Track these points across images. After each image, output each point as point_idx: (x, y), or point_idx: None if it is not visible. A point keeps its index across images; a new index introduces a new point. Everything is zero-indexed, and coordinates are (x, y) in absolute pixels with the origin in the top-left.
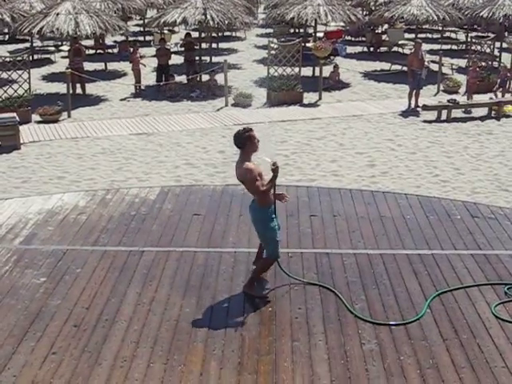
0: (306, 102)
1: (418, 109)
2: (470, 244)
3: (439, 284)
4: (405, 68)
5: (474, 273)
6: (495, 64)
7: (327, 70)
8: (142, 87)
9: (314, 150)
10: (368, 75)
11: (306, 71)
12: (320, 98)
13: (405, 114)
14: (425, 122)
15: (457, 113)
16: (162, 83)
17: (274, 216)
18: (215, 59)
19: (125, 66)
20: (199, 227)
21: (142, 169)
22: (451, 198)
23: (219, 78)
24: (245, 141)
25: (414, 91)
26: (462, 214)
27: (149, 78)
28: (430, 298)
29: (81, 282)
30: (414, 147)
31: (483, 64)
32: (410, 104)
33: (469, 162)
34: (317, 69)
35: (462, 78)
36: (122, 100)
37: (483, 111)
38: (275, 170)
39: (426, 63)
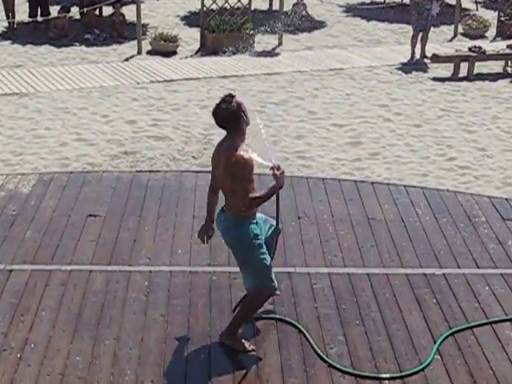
0: (259, 48)
1: (426, 60)
2: (500, 259)
3: (454, 318)
4: (407, 0)
5: (505, 301)
6: None
7: (292, 1)
8: (14, 25)
9: (270, 121)
10: (352, 9)
11: (260, 3)
12: (280, 44)
13: (406, 67)
14: (435, 79)
15: (483, 67)
16: (40, 18)
17: (259, 232)
18: None
19: None
20: (97, 234)
21: (11, 147)
22: (473, 193)
23: (129, 13)
24: (237, 117)
25: (420, 34)
26: (489, 215)
27: (22, 12)
28: (440, 338)
29: None
30: (418, 117)
31: None
32: (413, 53)
33: (499, 140)
34: None
35: (490, 16)
36: None
37: None
38: (279, 177)
39: None
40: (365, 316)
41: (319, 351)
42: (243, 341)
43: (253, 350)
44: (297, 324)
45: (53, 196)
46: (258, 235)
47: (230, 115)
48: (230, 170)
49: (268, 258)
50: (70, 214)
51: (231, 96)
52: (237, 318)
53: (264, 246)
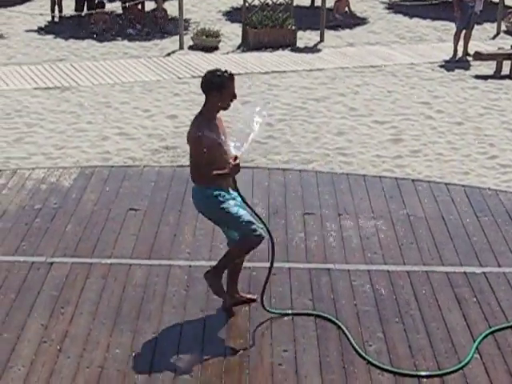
0: (300, 44)
1: (469, 58)
2: None
3: (494, 317)
4: None
5: None
6: None
7: None
8: (56, 18)
9: (311, 117)
10: (394, 6)
11: None
12: (322, 40)
13: (448, 65)
14: (477, 77)
15: None
16: (83, 13)
17: (229, 197)
18: None
19: None
20: (137, 228)
21: (53, 140)
22: None
23: (171, 7)
24: (215, 85)
25: (463, 32)
26: None
27: (65, 6)
28: (479, 337)
29: None
30: (460, 114)
31: None
32: (455, 50)
33: None
34: None
35: None
36: (24, 37)
37: None
38: (231, 168)
39: None
40: (404, 314)
41: (358, 348)
42: (225, 291)
43: (233, 305)
44: (336, 320)
45: (94, 190)
46: (223, 201)
47: (211, 81)
48: (190, 140)
49: (243, 213)
50: (110, 208)
51: (229, 72)
52: (222, 262)
53: (235, 207)
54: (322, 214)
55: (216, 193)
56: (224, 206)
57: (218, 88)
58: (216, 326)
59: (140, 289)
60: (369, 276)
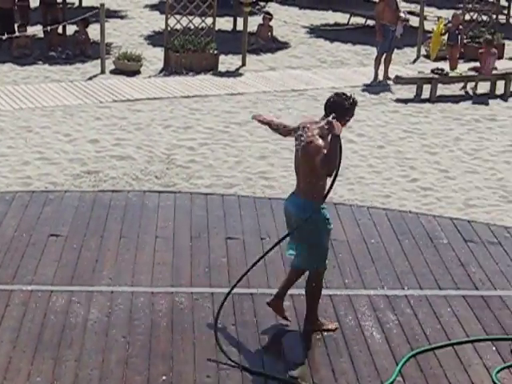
0: (222, 68)
1: (389, 82)
2: (462, 281)
3: (415, 340)
4: (371, 22)
5: (466, 323)
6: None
7: (255, 22)
8: None
9: (233, 141)
10: (315, 31)
11: (224, 23)
12: (244, 64)
13: (369, 88)
14: (398, 101)
15: (445, 89)
16: (4, 37)
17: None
18: (87, 2)
19: None
20: (58, 254)
21: None
22: (435, 214)
23: (93, 31)
24: (344, 110)
25: (384, 56)
26: (451, 237)
27: None
28: (402, 360)
29: None
30: (381, 138)
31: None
32: (376, 74)
33: (461, 162)
34: (240, 20)
35: None
36: None
37: (484, 87)
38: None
39: (402, 15)
40: (327, 337)
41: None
42: (323, 321)
43: (336, 328)
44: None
45: (14, 215)
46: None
47: (342, 105)
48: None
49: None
50: (31, 234)
51: (354, 98)
52: (309, 305)
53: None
54: (244, 239)
55: (324, 212)
56: (326, 229)
57: (348, 114)
58: (138, 352)
59: (61, 315)
60: (291, 299)
